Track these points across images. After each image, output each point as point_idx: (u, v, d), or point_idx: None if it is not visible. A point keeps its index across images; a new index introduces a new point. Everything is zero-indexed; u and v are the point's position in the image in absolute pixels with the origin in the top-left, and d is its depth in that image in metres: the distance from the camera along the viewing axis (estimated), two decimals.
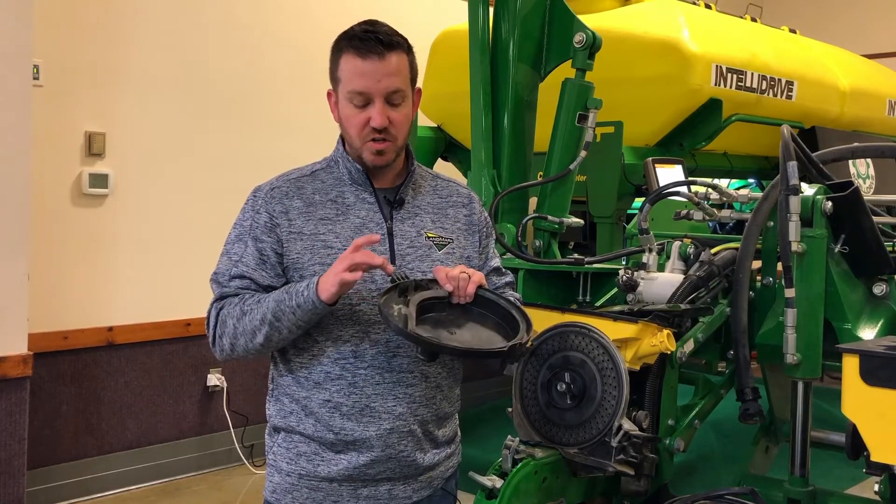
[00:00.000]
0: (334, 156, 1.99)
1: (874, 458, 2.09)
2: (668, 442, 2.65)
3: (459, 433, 2.09)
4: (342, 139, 1.98)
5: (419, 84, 2.00)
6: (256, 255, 1.89)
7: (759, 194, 3.05)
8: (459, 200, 2.05)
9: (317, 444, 1.89)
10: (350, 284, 1.77)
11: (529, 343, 1.89)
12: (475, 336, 1.85)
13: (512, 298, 2.00)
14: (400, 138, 1.91)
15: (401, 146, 1.93)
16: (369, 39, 1.85)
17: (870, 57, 6.61)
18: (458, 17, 4.58)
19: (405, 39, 1.92)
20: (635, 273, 2.97)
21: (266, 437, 2.01)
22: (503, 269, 2.13)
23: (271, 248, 1.89)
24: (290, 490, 1.92)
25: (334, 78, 1.92)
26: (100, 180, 4.26)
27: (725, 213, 3.25)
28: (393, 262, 1.90)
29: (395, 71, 1.87)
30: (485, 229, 2.07)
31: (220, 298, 1.90)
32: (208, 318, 1.91)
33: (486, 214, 2.11)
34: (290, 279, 1.89)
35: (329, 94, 1.96)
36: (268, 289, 1.88)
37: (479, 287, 1.86)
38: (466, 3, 3.99)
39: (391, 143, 1.89)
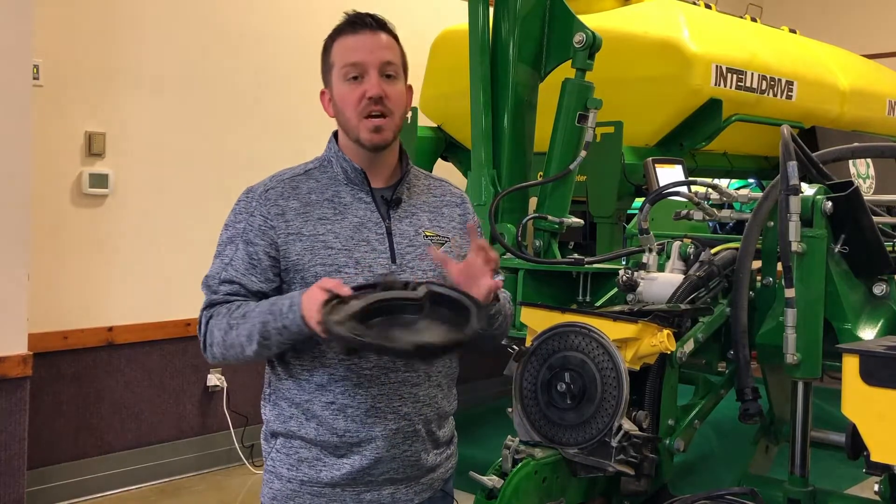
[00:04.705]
0: (327, 155, 1.97)
1: (874, 458, 2.08)
2: (668, 442, 2.65)
3: (456, 433, 2.09)
4: (335, 137, 1.97)
5: (418, 85, 2.00)
6: (246, 260, 1.86)
7: (759, 194, 3.04)
8: (453, 200, 2.05)
9: (318, 449, 1.87)
10: None
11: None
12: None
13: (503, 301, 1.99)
14: (397, 115, 1.90)
15: (398, 126, 1.91)
16: (362, 18, 1.89)
17: (870, 57, 6.60)
18: (458, 17, 4.58)
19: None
20: (635, 273, 2.97)
21: (262, 441, 1.98)
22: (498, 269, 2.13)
23: (264, 252, 1.86)
24: (292, 497, 1.89)
25: (327, 67, 1.92)
26: (100, 180, 4.26)
27: (725, 213, 3.25)
28: (393, 261, 1.89)
29: (388, 45, 1.89)
30: (478, 230, 2.07)
31: (210, 306, 1.87)
32: (199, 324, 1.89)
33: (476, 216, 2.11)
34: (291, 281, 1.86)
35: (322, 93, 1.95)
36: (257, 294, 1.86)
37: (476, 303, 1.75)
38: (466, 3, 3.99)
39: (389, 120, 1.88)
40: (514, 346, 2.28)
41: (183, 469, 4.58)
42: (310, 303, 1.71)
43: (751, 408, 2.76)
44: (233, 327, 1.81)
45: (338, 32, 1.91)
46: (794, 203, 2.60)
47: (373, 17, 1.90)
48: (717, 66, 4.45)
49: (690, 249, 3.04)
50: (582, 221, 3.91)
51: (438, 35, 5.13)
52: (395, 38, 1.93)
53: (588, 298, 3.66)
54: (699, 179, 3.49)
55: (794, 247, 2.60)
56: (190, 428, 4.64)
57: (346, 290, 1.70)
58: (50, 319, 4.07)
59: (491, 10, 3.93)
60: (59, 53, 4.11)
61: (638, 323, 2.40)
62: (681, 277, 2.91)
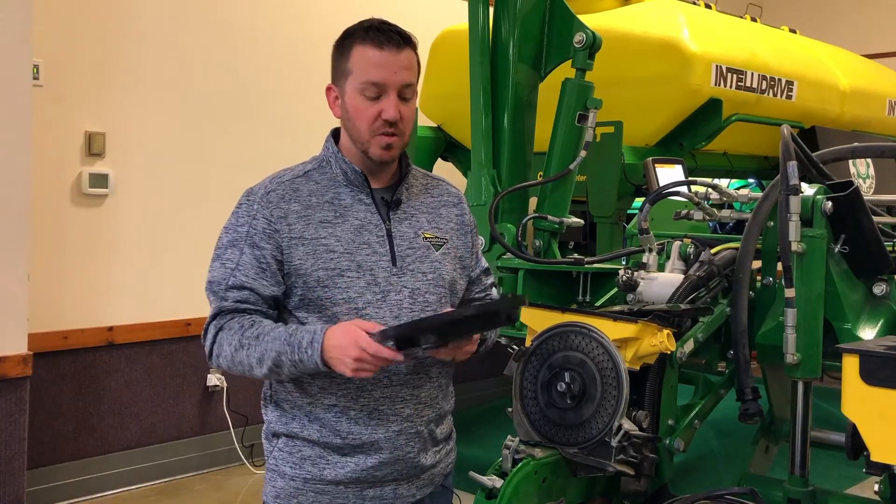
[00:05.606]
0: (325, 155, 1.95)
1: (874, 458, 2.09)
2: (668, 442, 2.65)
3: (454, 429, 2.08)
4: (332, 138, 1.96)
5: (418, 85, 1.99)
6: (255, 264, 1.83)
7: (759, 194, 3.04)
8: (450, 200, 2.04)
9: (321, 448, 1.86)
10: None
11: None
12: None
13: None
14: (407, 134, 1.90)
15: (406, 143, 1.91)
16: (388, 31, 1.85)
17: (870, 57, 6.60)
18: (458, 17, 4.58)
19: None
20: (635, 273, 2.97)
21: (264, 440, 1.97)
22: (489, 270, 2.14)
23: (271, 255, 1.83)
24: (296, 494, 1.89)
25: (342, 70, 1.88)
26: (100, 180, 4.26)
27: (725, 213, 3.25)
28: (393, 263, 1.88)
29: (409, 65, 1.87)
30: (474, 229, 2.08)
31: (219, 314, 1.85)
32: (206, 332, 1.86)
33: (471, 215, 2.11)
34: (293, 285, 1.84)
35: (329, 89, 1.93)
36: (269, 298, 1.84)
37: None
38: (466, 3, 3.99)
39: (399, 139, 1.87)
40: (514, 346, 2.28)
41: (183, 469, 4.58)
42: (342, 339, 1.71)
43: (751, 408, 2.76)
44: (244, 346, 1.79)
45: (361, 39, 1.85)
46: (794, 203, 2.60)
47: (399, 32, 1.86)
48: (717, 66, 4.45)
49: (690, 249, 3.05)
50: (582, 221, 3.90)
51: (438, 35, 5.13)
52: (416, 49, 1.90)
53: (588, 298, 3.65)
54: (699, 179, 3.49)
55: (794, 247, 2.60)
56: (190, 428, 4.64)
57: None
58: (50, 319, 4.07)
59: (491, 10, 3.93)
60: (59, 53, 4.11)
61: (638, 323, 2.40)
62: (681, 277, 2.91)
